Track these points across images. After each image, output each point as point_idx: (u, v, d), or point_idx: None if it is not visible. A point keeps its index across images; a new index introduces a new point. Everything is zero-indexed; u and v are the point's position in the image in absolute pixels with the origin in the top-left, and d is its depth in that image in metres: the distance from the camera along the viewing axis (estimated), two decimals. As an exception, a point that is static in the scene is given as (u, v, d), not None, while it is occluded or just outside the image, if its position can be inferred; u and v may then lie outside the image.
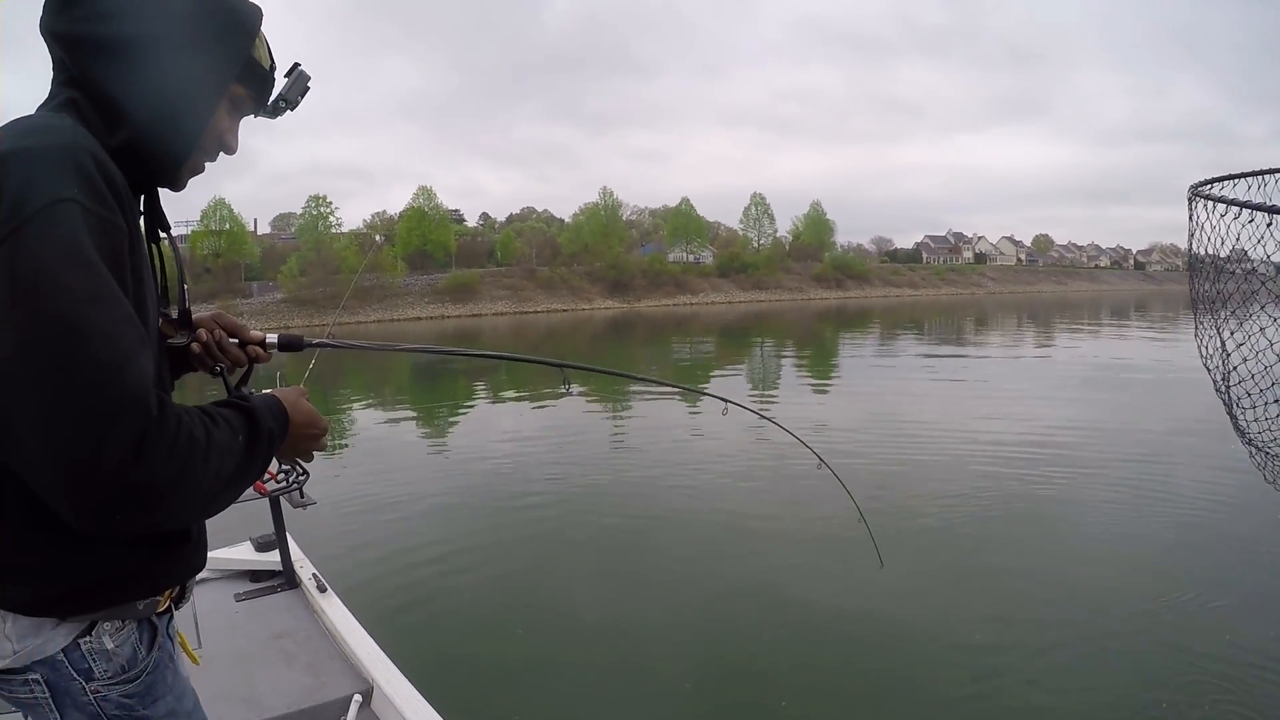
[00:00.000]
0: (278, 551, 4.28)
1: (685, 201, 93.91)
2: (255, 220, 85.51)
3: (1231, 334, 2.24)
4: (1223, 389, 2.23)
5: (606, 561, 8.20)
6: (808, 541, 8.75)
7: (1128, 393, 20.57)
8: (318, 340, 2.20)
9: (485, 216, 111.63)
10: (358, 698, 3.33)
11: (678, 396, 17.66)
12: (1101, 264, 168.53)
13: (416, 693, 3.27)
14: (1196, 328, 2.21)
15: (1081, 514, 9.78)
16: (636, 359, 29.51)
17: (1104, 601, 6.86)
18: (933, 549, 8.51)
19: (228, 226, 67.12)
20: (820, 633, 6.54)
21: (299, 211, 75.07)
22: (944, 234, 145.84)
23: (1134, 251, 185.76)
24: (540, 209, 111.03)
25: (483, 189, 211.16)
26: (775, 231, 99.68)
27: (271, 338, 1.96)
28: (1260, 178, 2.14)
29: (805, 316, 56.13)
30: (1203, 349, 2.33)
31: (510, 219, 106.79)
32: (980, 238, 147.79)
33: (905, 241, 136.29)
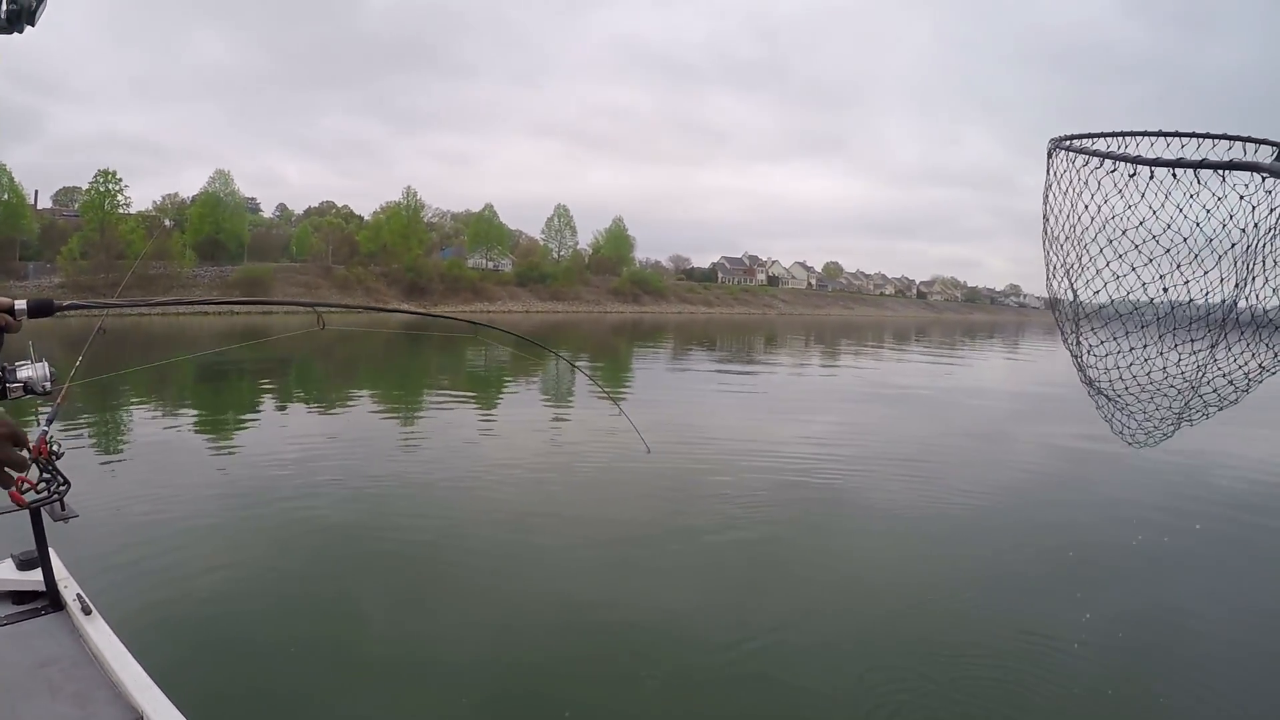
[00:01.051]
0: (40, 572, 3.91)
1: (489, 207, 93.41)
2: (36, 193, 76.59)
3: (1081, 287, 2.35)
4: (1071, 338, 2.36)
5: (392, 576, 7.95)
6: (599, 546, 8.94)
7: (903, 407, 22.26)
8: (69, 303, 2.19)
9: (283, 208, 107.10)
10: None
11: (469, 403, 17.49)
12: (887, 292, 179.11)
13: None
14: (1048, 274, 2.33)
15: (860, 513, 10.75)
16: (431, 366, 28.99)
17: (879, 594, 7.79)
18: (720, 550, 8.89)
19: (5, 197, 61.67)
20: (609, 638, 6.70)
21: (85, 187, 67.43)
22: (740, 256, 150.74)
23: (917, 282, 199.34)
24: (341, 204, 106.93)
25: (283, 179, 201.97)
26: (576, 244, 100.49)
27: (20, 304, 1.95)
28: (1120, 139, 2.25)
29: (601, 329, 56.59)
30: (1054, 288, 2.47)
31: (309, 212, 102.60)
32: (774, 261, 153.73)
33: (702, 261, 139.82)
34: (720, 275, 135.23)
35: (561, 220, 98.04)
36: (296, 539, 8.80)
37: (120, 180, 63.96)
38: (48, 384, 2.34)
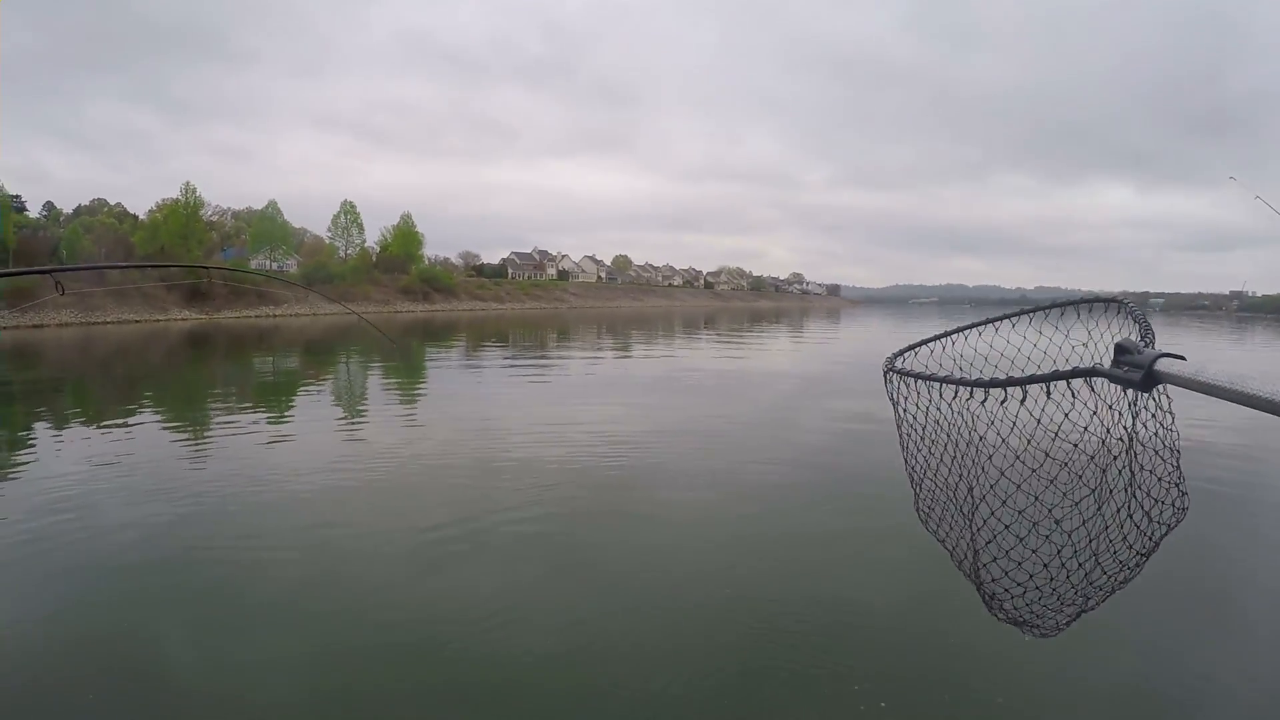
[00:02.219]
0: None
1: (272, 204, 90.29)
2: None
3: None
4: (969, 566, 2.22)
5: (194, 607, 7.67)
6: (400, 550, 9.03)
7: (696, 393, 23.04)
8: None
9: (50, 206, 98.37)
10: None
11: (255, 412, 17.41)
12: (675, 283, 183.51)
13: None
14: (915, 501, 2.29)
15: (661, 496, 11.28)
16: (218, 378, 28.17)
17: (681, 576, 8.17)
18: (525, 543, 9.31)
19: None
20: (413, 647, 6.76)
21: None
22: (530, 251, 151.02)
23: (705, 273, 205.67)
24: (114, 201, 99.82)
25: (48, 174, 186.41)
26: (364, 241, 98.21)
27: None
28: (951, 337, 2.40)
29: (393, 329, 55.84)
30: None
31: (79, 211, 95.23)
32: (564, 256, 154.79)
33: (492, 257, 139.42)
34: (510, 271, 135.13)
35: (348, 217, 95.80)
36: (90, 579, 8.24)
37: None
38: None
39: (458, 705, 5.90)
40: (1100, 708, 5.95)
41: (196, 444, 15.50)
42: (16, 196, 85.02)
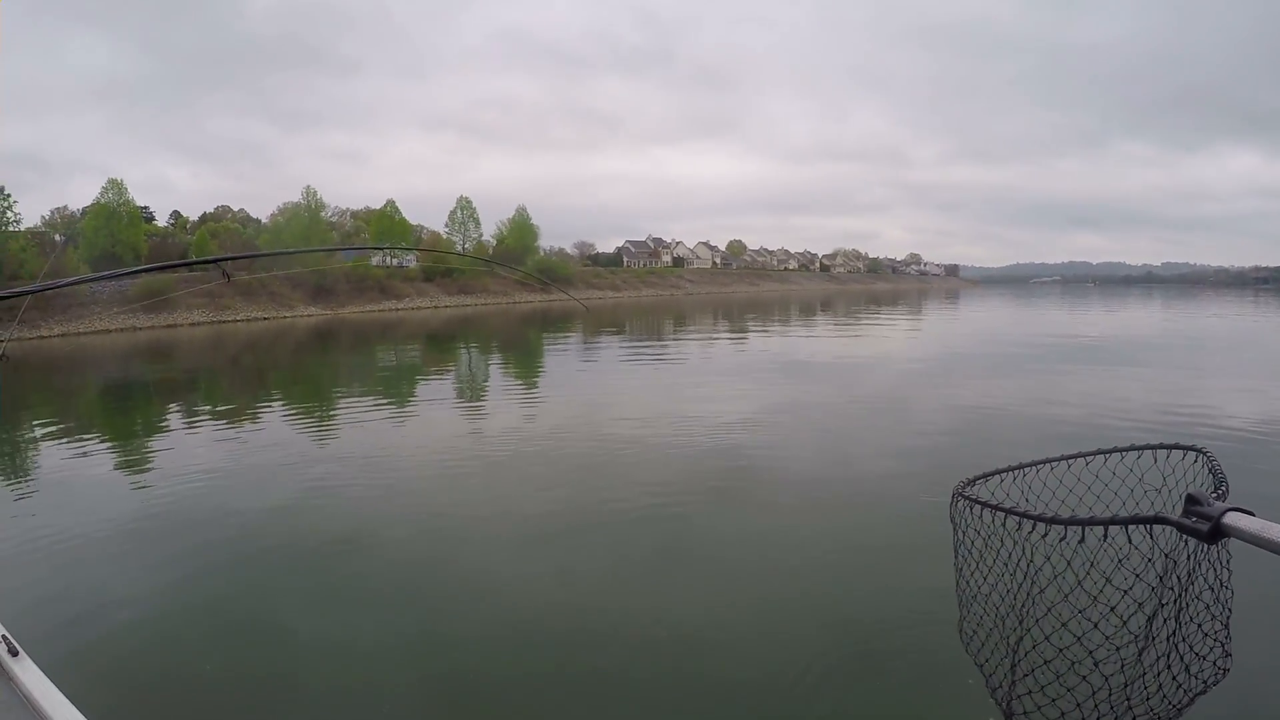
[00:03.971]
0: None
1: (391, 204, 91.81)
2: (-87, 218, 72.70)
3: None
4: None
5: (318, 587, 7.84)
6: (518, 535, 9.07)
7: (814, 380, 22.52)
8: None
9: (177, 215, 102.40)
10: None
11: (383, 403, 17.57)
12: (790, 267, 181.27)
13: None
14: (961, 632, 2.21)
15: (774, 485, 11.03)
16: (341, 369, 28.77)
17: (790, 570, 7.90)
18: (634, 531, 9.14)
19: (-122, 223, 57.25)
20: (538, 634, 6.73)
21: None
22: (644, 239, 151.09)
23: (819, 256, 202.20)
24: (236, 208, 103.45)
25: (172, 185, 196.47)
26: (480, 235, 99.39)
27: None
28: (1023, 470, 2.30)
29: (511, 320, 56.42)
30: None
31: (204, 218, 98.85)
32: (678, 243, 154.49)
33: (607, 246, 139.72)
34: (625, 259, 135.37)
35: (465, 213, 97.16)
36: (220, 558, 8.61)
37: (9, 196, 59.37)
38: None
39: (559, 688, 5.97)
40: None
41: (320, 430, 15.95)
42: (145, 207, 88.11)
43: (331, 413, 17.86)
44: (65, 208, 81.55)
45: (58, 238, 65.59)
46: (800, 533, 9.14)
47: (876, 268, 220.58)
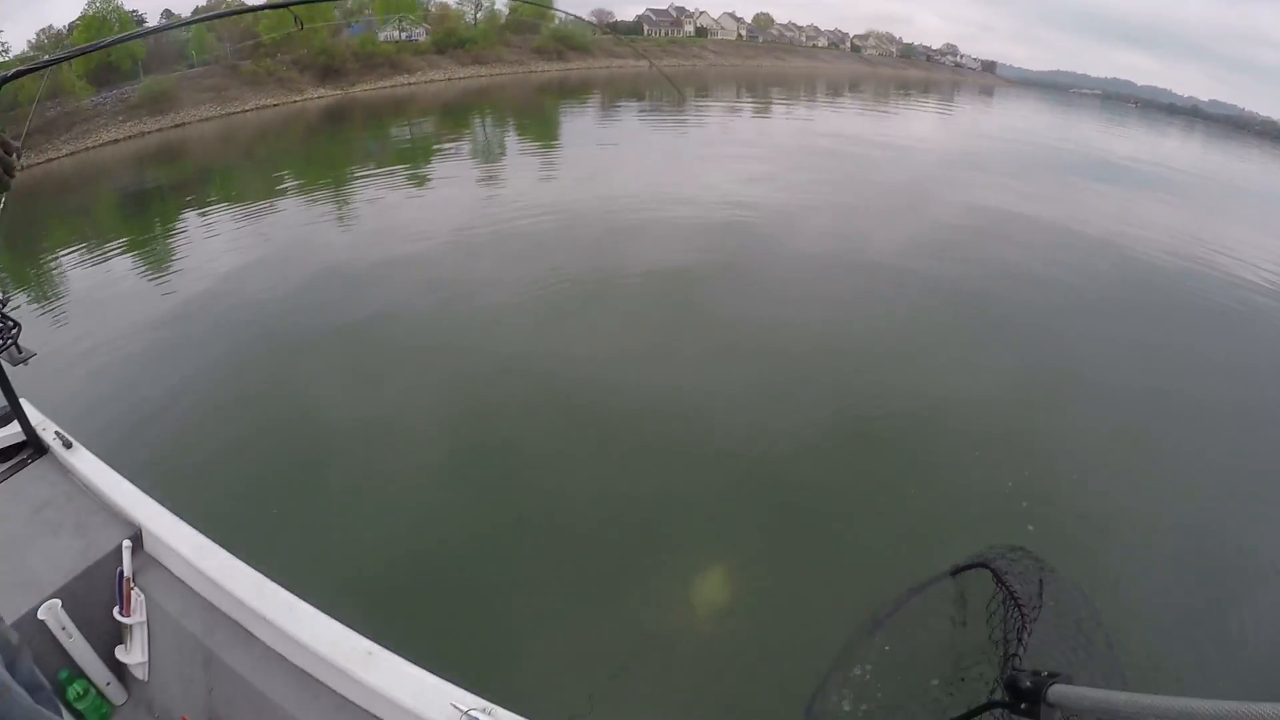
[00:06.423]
0: (16, 423, 3.97)
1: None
2: (-115, 68, 70.48)
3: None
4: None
5: (353, 361, 8.25)
6: (530, 299, 9.57)
7: (835, 163, 22.05)
8: (14, 71, 2.15)
9: (168, 13, 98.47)
10: (127, 543, 3.29)
11: (384, 182, 17.16)
12: (820, 45, 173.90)
13: (186, 525, 3.31)
14: None
15: (783, 256, 11.25)
16: (355, 149, 28.38)
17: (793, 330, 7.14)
18: (648, 293, 8.70)
19: None
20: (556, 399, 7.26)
21: None
22: (665, 7, 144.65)
23: (851, 36, 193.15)
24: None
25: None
26: (493, 4, 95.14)
27: None
28: None
29: (528, 90, 55.09)
30: None
31: (197, 12, 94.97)
32: (702, 12, 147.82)
33: (626, 14, 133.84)
34: (646, 28, 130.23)
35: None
36: (248, 348, 8.90)
37: None
38: None
39: (573, 425, 6.45)
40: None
41: (337, 214, 16.14)
42: (135, 11, 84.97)
43: (347, 192, 18.15)
44: (50, 27, 78.31)
45: (46, 58, 63.06)
46: (808, 315, 9.23)
47: (910, 54, 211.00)
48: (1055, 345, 9.19)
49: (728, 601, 5.45)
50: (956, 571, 5.21)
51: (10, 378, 3.69)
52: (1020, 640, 4.33)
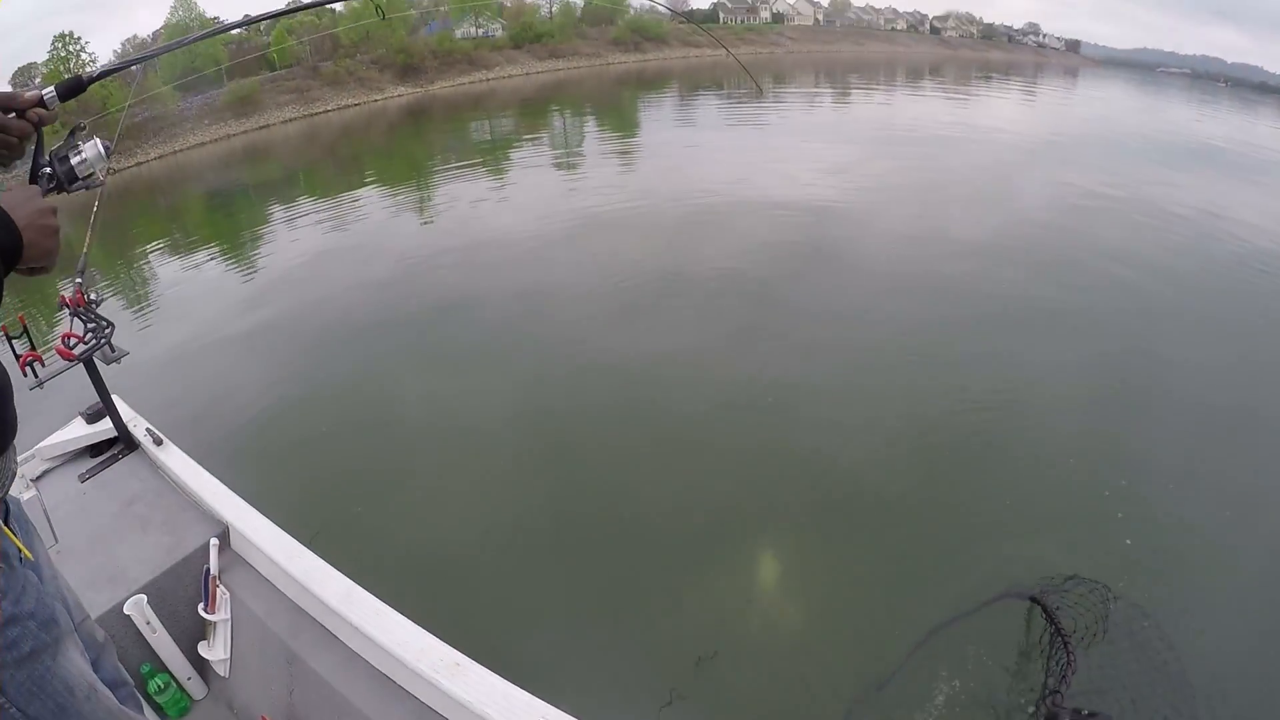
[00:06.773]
0: (109, 419, 4.04)
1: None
2: (-11, 83, 73.73)
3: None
4: None
5: (435, 360, 8.30)
6: (603, 299, 9.50)
7: (912, 150, 21.68)
8: (100, 70, 2.16)
9: (246, 18, 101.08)
10: (215, 540, 3.36)
11: (461, 174, 17.14)
12: (899, 27, 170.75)
13: (273, 525, 3.37)
14: None
15: (860, 251, 11.19)
16: (435, 146, 28.75)
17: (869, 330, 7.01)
18: (720, 293, 8.67)
19: (-40, 92, 58.14)
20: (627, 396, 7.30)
21: (44, 59, 63.53)
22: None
23: (930, 17, 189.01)
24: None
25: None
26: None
27: (48, 91, 1.83)
28: None
29: (605, 82, 55.31)
30: None
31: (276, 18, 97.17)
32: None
33: (701, 2, 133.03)
34: (722, 16, 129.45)
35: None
36: (334, 343, 9.08)
37: (79, 39, 58.38)
38: (105, 165, 2.05)
39: (640, 425, 6.53)
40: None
41: (418, 209, 16.51)
42: (215, 18, 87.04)
43: (429, 190, 18.37)
44: (135, 37, 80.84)
45: (135, 68, 65.38)
46: (890, 311, 9.02)
47: (991, 34, 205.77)
48: (1158, 359, 8.72)
49: (796, 606, 5.41)
50: (1016, 597, 5.19)
51: (103, 375, 3.75)
52: (1064, 679, 4.34)
